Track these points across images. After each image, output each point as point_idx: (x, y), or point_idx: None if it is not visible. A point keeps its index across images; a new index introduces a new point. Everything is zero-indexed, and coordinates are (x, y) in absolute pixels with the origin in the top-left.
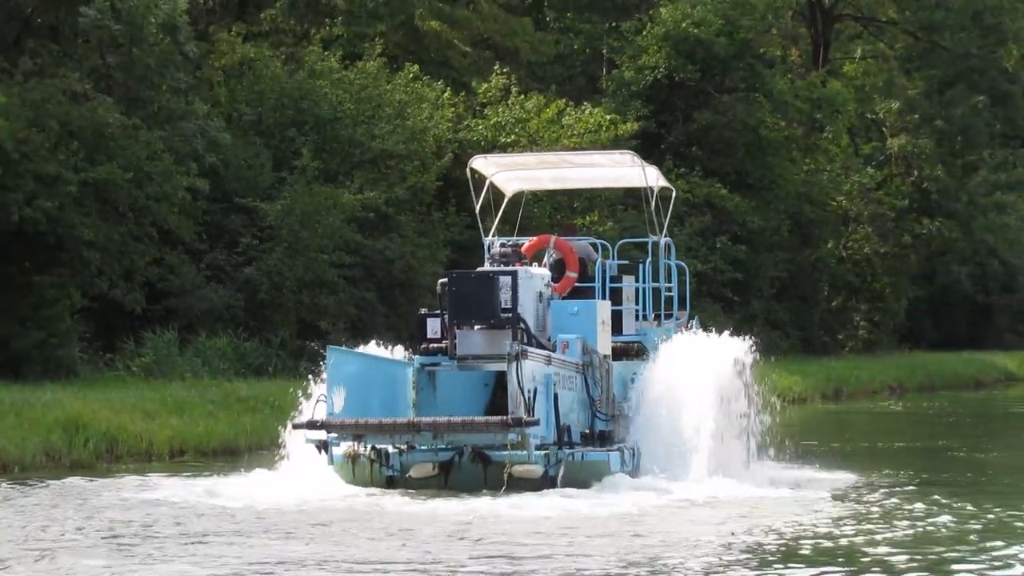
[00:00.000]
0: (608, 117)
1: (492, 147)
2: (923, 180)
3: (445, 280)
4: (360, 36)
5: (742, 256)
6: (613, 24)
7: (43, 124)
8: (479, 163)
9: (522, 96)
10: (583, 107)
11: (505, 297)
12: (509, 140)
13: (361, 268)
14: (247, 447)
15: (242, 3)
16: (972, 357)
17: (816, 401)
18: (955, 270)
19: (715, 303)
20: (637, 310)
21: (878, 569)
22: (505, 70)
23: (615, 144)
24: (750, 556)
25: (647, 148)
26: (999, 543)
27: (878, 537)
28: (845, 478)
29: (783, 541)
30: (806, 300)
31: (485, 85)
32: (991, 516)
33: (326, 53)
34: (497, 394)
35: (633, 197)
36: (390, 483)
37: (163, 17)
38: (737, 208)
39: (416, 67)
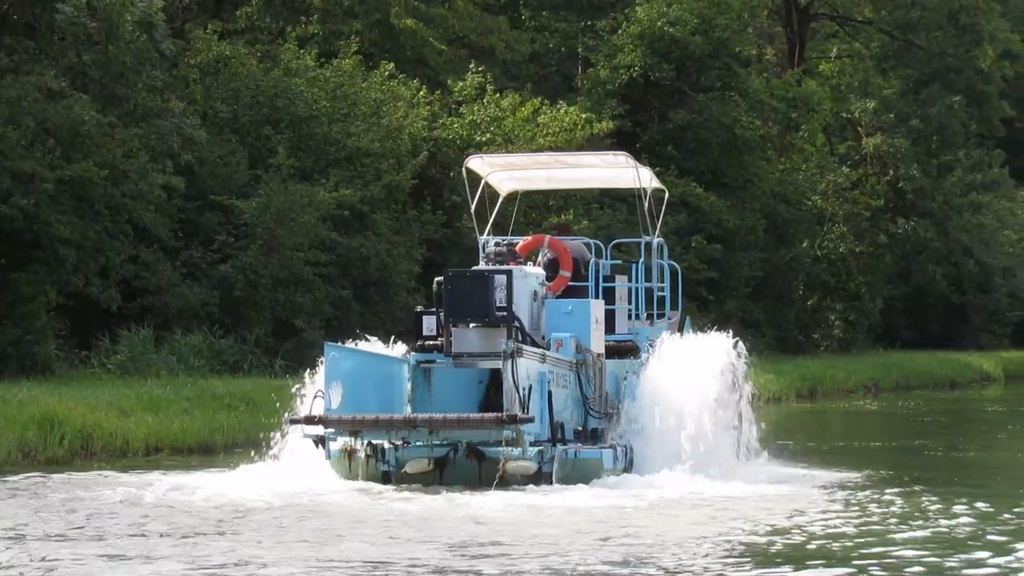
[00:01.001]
0: (583, 116)
1: (467, 145)
2: (898, 180)
3: (441, 278)
4: (335, 34)
5: (717, 255)
6: (588, 23)
7: (19, 121)
8: (475, 163)
9: (497, 94)
10: (558, 106)
11: (500, 296)
12: (484, 139)
13: (336, 266)
14: (223, 444)
15: (218, 1)
16: (947, 357)
17: (791, 400)
18: (930, 270)
19: (690, 302)
20: (630, 309)
21: (877, 567)
22: (480, 68)
23: (590, 142)
24: (740, 555)
25: (622, 147)
26: (993, 538)
27: (875, 535)
28: (832, 476)
29: (774, 539)
30: (781, 299)
31: (460, 83)
32: (981, 512)
33: (302, 51)
34: (491, 391)
35: (608, 196)
36: (386, 478)
37: (139, 15)
38: (712, 207)
39: (391, 65)
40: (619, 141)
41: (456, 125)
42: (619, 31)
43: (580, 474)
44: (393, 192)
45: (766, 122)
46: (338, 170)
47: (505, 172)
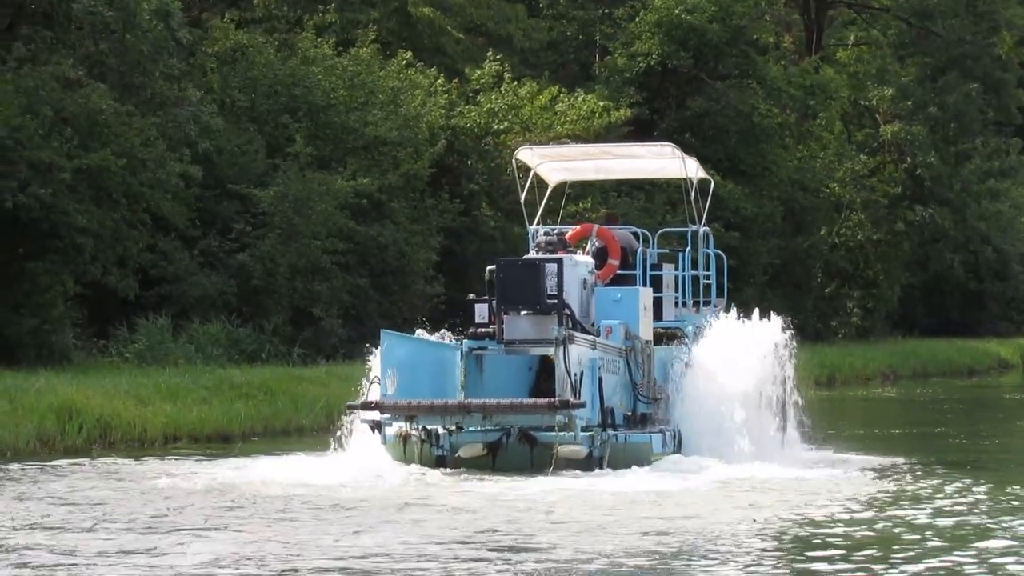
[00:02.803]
0: (601, 104)
1: (485, 134)
2: (916, 167)
3: (493, 267)
4: (353, 23)
5: (735, 243)
6: (606, 11)
7: (37, 111)
8: (524, 154)
9: (515, 83)
10: (576, 94)
11: (551, 284)
12: (502, 127)
13: (354, 254)
14: (240, 433)
15: None
16: (965, 344)
17: (809, 387)
18: (948, 257)
19: None
20: (677, 297)
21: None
22: (498, 57)
23: (608, 131)
24: (779, 540)
25: (640, 135)
26: None
27: (922, 520)
28: (869, 462)
29: (829, 525)
30: (799, 287)
31: (478, 72)
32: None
33: (319, 40)
34: (541, 377)
35: (626, 184)
36: (440, 463)
37: (156, 3)
38: (730, 195)
39: (409, 54)
40: (636, 129)
41: (474, 113)
42: (636, 19)
43: (630, 458)
44: (411, 180)
45: (784, 110)
46: (356, 159)
47: (554, 163)
